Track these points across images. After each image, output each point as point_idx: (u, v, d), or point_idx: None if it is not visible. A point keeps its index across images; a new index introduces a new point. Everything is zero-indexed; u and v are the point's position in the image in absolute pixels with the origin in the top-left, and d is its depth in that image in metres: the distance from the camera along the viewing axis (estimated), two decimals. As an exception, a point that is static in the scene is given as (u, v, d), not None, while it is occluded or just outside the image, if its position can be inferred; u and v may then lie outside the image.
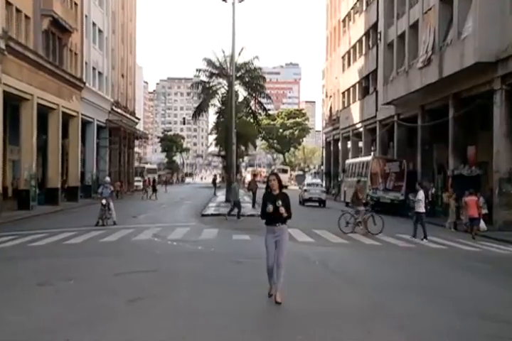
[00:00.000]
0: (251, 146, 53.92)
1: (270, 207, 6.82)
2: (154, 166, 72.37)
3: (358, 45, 41.69)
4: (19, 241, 13.65)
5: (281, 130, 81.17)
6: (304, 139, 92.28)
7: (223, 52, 32.53)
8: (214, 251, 11.93)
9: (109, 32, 39.59)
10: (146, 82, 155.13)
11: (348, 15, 44.60)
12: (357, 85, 41.88)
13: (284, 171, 69.96)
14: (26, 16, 24.47)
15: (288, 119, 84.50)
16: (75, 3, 31.24)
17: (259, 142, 76.52)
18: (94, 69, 35.63)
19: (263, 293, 7.24)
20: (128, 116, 45.30)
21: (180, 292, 7.72)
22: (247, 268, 9.77)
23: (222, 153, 40.95)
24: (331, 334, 5.86)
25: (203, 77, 33.64)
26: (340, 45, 47.42)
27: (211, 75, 32.90)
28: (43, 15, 25.81)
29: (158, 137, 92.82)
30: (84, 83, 31.96)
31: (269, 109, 37.69)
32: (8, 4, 22.61)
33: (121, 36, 44.01)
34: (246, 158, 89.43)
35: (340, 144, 47.58)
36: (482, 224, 17.58)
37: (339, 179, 42.13)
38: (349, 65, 44.28)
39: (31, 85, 24.02)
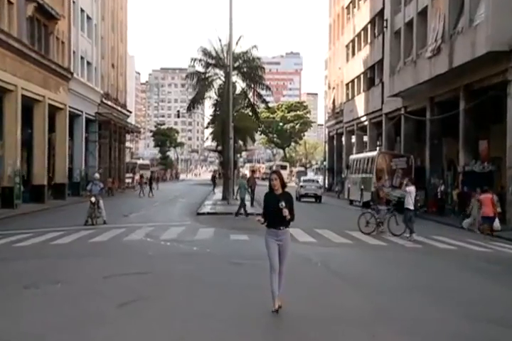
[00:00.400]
0: (249, 141, 53.90)
1: (261, 219, 6.81)
2: (147, 162, 72.32)
3: (362, 33, 41.60)
4: (3, 242, 13.65)
5: (281, 124, 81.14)
6: (306, 133, 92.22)
7: (220, 41, 32.47)
8: (210, 251, 11.94)
9: (99, 19, 39.47)
10: (138, 73, 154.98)
11: (353, 1, 44.49)
12: (362, 76, 41.82)
13: (283, 167, 70.07)
14: (9, 1, 24.36)
15: (288, 112, 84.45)
16: (62, -11, 31.13)
17: (258, 136, 76.43)
18: (82, 58, 35.53)
19: (262, 296, 7.26)
20: (119, 108, 45.22)
21: (174, 295, 7.74)
22: (245, 270, 9.80)
23: (219, 148, 40.92)
24: (333, 340, 5.88)
25: (199, 67, 33.60)
26: (344, 34, 47.31)
27: (207, 65, 32.83)
28: (28, 0, 25.71)
29: (150, 131, 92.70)
30: (72, 73, 31.88)
31: (268, 102, 37.63)
32: (-9, -11, 22.53)
33: (112, 23, 43.88)
34: (244, 154, 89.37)
35: (343, 139, 47.54)
36: (496, 223, 17.61)
37: (343, 175, 42.22)
38: (353, 54, 44.19)
39: (15, 75, 23.95)
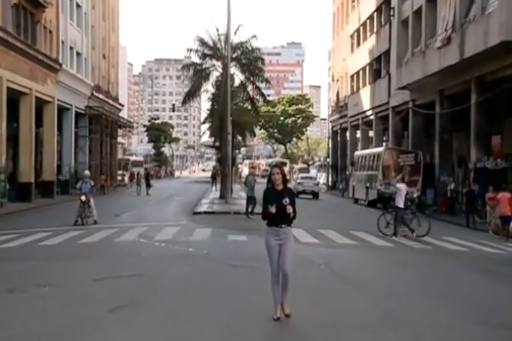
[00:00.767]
0: (248, 136, 53.81)
1: (272, 209, 6.44)
2: (140, 158, 72.38)
3: (368, 22, 41.54)
4: (-12, 243, 13.61)
5: (282, 118, 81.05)
6: (308, 128, 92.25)
7: (217, 30, 32.40)
8: (207, 253, 11.94)
9: (89, 7, 39.38)
10: (131, 64, 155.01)
11: (358, -12, 44.44)
12: (367, 68, 41.79)
13: (283, 164, 69.97)
14: (-6, -11, 24.31)
15: (290, 106, 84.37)
16: (50, -25, 31.02)
17: (257, 131, 76.31)
18: (71, 49, 35.44)
19: (262, 300, 7.23)
20: (110, 102, 45.16)
21: (169, 299, 7.71)
22: (244, 273, 9.78)
23: (217, 143, 40.81)
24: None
25: (195, 59, 33.52)
26: (349, 23, 47.25)
27: (204, 56, 32.77)
28: (13, -13, 25.64)
29: (144, 126, 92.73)
30: (61, 65, 31.81)
31: (268, 95, 37.65)
32: (-26, -25, 22.44)
33: (103, 12, 43.78)
34: (243, 150, 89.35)
35: (348, 134, 47.55)
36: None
37: (347, 173, 42.23)
38: (358, 44, 44.15)
39: (0, 67, 23.89)
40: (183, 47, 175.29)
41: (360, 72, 43.77)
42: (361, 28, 43.24)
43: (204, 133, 55.73)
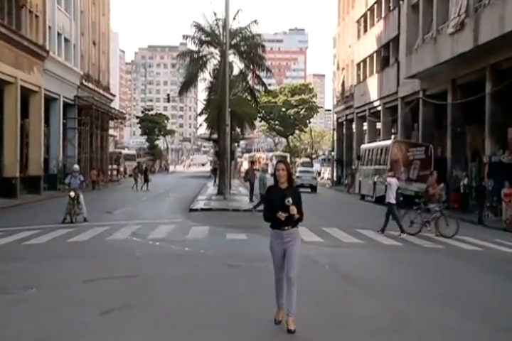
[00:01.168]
0: (248, 128, 53.82)
1: (282, 215, 6.21)
2: (133, 152, 72.30)
3: (376, 6, 41.43)
4: (-29, 242, 13.62)
5: (284, 109, 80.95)
6: (312, 120, 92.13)
7: (215, 15, 32.29)
8: (204, 252, 11.95)
9: (78, -10, 39.25)
10: (123, 51, 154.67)
11: (365, -30, 44.28)
12: (375, 55, 41.70)
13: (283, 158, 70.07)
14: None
15: (292, 96, 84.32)
16: (36, -45, 30.91)
17: (257, 123, 76.36)
18: (59, 35, 35.37)
19: (262, 301, 7.23)
20: (101, 91, 45.13)
21: (164, 302, 7.72)
22: (243, 273, 9.79)
23: (214, 136, 40.81)
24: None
25: (191, 46, 33.46)
26: (355, 7, 47.13)
27: (201, 43, 32.71)
28: (-3, -31, 25.54)
29: (137, 117, 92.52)
30: (48, 52, 31.74)
31: (269, 84, 37.59)
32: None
33: (92, -5, 43.66)
34: (242, 143, 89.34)
35: (354, 126, 47.51)
36: None
37: (353, 167, 42.24)
38: (365, 30, 44.04)
39: (-17, 54, 23.85)
40: (178, 34, 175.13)
41: (367, 59, 43.67)
42: (368, 12, 43.11)
43: (201, 125, 55.64)
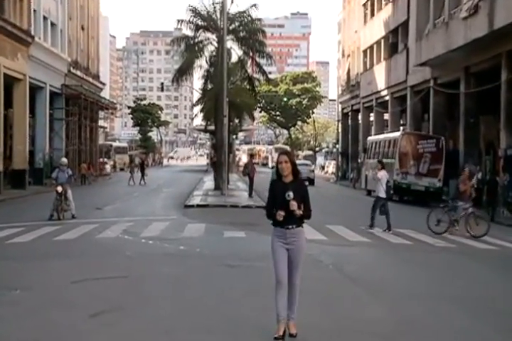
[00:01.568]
0: (247, 119, 53.82)
1: (280, 214, 6.04)
2: (124, 144, 72.35)
3: (384, -12, 41.33)
4: (-49, 240, 13.62)
5: (285, 98, 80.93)
6: (315, 110, 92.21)
7: (212, -3, 32.21)
8: (200, 251, 11.97)
9: (65, -29, 39.13)
10: (114, 37, 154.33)
11: (372, -50, 44.16)
12: (382, 41, 41.65)
13: None
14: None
15: (294, 85, 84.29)
16: None
17: (257, 114, 76.38)
18: (45, 19, 35.27)
19: (262, 304, 7.24)
20: (90, 80, 45.07)
21: (156, 304, 7.72)
22: (242, 274, 9.80)
23: (211, 127, 40.78)
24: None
25: (187, 31, 33.36)
26: (362, -11, 47.01)
27: (197, 28, 32.62)
28: None
29: (128, 107, 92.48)
30: (33, 37, 31.66)
31: (270, 72, 37.52)
32: None
33: (81, -23, 43.54)
34: (241, 135, 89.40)
35: (360, 117, 47.50)
36: None
37: (359, 161, 42.25)
38: (372, 15, 43.98)
39: (-36, 40, 23.79)
40: (172, 18, 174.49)
41: (374, 46, 43.62)
42: (376, -5, 43.04)
43: (197, 115, 55.73)
